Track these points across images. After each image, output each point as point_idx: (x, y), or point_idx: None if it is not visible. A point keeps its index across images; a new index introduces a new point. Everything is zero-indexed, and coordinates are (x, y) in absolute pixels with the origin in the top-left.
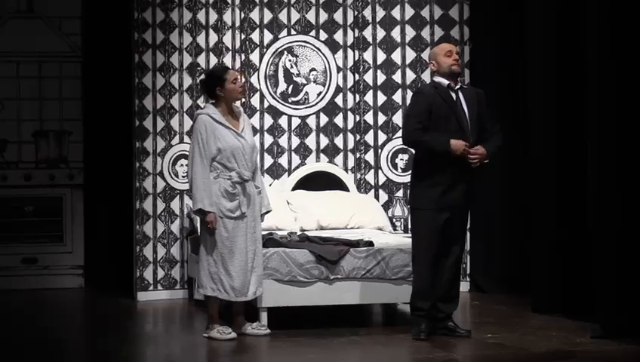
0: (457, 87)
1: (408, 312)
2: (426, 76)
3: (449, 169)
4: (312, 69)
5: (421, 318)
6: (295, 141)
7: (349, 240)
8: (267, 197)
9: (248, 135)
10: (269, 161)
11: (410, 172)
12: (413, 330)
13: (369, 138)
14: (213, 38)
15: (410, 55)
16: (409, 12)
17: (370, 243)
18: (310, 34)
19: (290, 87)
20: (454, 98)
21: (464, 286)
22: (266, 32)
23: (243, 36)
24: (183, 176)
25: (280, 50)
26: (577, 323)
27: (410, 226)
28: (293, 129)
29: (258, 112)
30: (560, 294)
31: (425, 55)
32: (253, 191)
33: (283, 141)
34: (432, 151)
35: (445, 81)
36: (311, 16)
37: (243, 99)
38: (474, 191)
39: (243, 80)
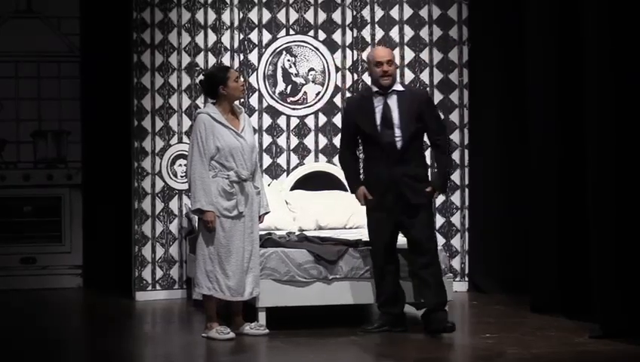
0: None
1: (407, 312)
2: (424, 76)
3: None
4: (311, 69)
5: None
6: (294, 141)
7: (347, 239)
8: (266, 198)
9: (248, 135)
10: (267, 160)
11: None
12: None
13: None
14: (212, 37)
15: (409, 55)
16: (407, 12)
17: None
18: (309, 34)
19: (289, 87)
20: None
21: (462, 285)
22: (264, 31)
23: (241, 36)
24: (182, 176)
25: (278, 50)
26: (576, 323)
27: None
28: (291, 129)
29: (257, 112)
30: (559, 294)
31: (424, 55)
32: (251, 192)
33: (282, 141)
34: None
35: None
36: (309, 16)
37: (242, 99)
38: None
39: (242, 79)
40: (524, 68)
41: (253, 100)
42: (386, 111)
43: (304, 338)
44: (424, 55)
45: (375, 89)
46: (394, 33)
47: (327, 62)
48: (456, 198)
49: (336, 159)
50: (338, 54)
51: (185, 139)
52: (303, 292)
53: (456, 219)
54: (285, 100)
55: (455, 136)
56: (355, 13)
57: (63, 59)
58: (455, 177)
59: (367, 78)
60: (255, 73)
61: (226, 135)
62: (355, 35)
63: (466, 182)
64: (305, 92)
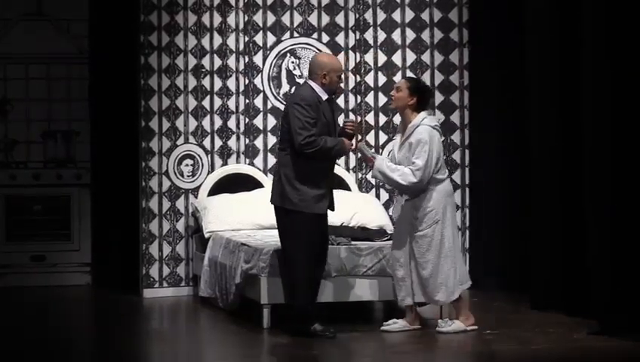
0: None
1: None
2: (426, 78)
3: (329, 173)
4: None
5: (311, 319)
6: None
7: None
8: None
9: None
10: (272, 160)
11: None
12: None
13: (370, 138)
14: (218, 40)
15: (411, 57)
16: (409, 15)
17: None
18: (312, 36)
19: (293, 88)
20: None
21: None
22: (269, 34)
23: (247, 38)
24: (188, 176)
25: (283, 52)
26: (575, 319)
27: (286, 228)
28: None
29: (261, 113)
30: (558, 292)
31: (425, 57)
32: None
33: None
34: (328, 151)
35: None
36: (313, 18)
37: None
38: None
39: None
40: (523, 69)
41: (258, 101)
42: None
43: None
44: (425, 57)
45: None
46: (396, 36)
47: None
48: (457, 198)
49: (339, 160)
50: (341, 56)
51: (191, 139)
52: None
53: (457, 219)
54: None
55: (456, 137)
56: (357, 16)
57: (72, 61)
58: (456, 177)
59: (369, 79)
60: (260, 75)
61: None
62: (357, 37)
63: (467, 181)
64: None
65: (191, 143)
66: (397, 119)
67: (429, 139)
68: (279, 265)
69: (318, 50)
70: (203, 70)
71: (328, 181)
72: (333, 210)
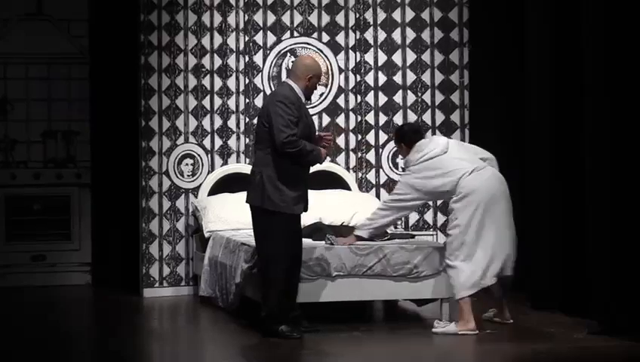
0: None
1: (409, 309)
2: (426, 77)
3: (305, 175)
4: None
5: (279, 320)
6: None
7: None
8: None
9: None
10: None
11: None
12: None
13: (370, 138)
14: (218, 39)
15: (411, 57)
16: (409, 14)
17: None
18: (313, 36)
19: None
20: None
21: None
22: (269, 34)
23: (247, 38)
24: (188, 175)
25: (283, 51)
26: (575, 319)
27: (266, 229)
28: None
29: None
30: (558, 291)
31: (425, 57)
32: None
33: None
34: (306, 155)
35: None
36: (313, 18)
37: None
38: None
39: None
40: (523, 69)
41: (258, 101)
42: None
43: (307, 335)
44: (425, 57)
45: (303, 98)
46: (396, 35)
47: (330, 64)
48: None
49: (339, 159)
50: (341, 56)
51: (191, 138)
52: (306, 289)
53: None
54: None
55: (456, 136)
56: (358, 15)
57: (72, 61)
58: None
59: (369, 79)
60: (260, 74)
61: None
62: (357, 37)
63: None
64: None
65: (191, 143)
66: (397, 119)
67: (412, 182)
68: (257, 266)
69: (319, 49)
70: (203, 70)
71: (305, 182)
72: (306, 211)
